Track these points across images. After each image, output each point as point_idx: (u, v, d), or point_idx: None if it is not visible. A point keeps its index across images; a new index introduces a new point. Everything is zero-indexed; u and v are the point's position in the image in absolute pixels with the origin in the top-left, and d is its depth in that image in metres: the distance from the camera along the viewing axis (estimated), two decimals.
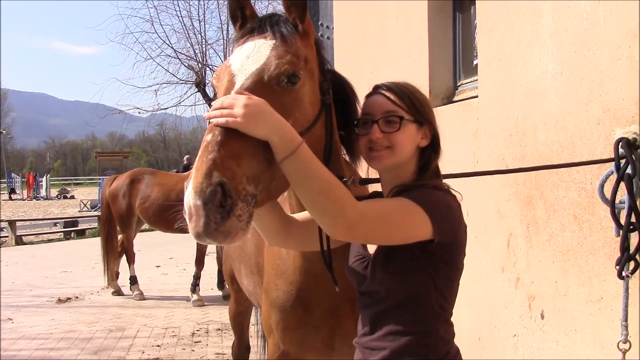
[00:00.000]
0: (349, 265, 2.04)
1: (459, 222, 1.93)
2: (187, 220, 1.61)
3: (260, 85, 1.81)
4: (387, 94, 1.97)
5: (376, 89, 2.03)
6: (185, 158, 17.96)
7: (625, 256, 2.52)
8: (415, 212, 1.77)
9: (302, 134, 1.83)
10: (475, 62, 4.78)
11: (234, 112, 1.64)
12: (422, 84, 5.22)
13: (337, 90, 2.22)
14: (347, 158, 2.40)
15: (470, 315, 4.40)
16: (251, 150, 1.69)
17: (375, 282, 1.92)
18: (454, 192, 2.01)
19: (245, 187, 1.64)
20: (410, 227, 1.79)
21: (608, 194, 2.64)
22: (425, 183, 1.94)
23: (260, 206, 1.81)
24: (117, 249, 9.68)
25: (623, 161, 2.50)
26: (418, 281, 1.87)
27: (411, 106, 1.96)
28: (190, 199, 1.57)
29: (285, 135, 1.69)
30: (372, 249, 1.98)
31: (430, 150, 2.01)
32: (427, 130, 2.00)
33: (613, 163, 2.56)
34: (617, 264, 2.59)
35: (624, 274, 2.52)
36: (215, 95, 1.95)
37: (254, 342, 5.64)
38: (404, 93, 1.98)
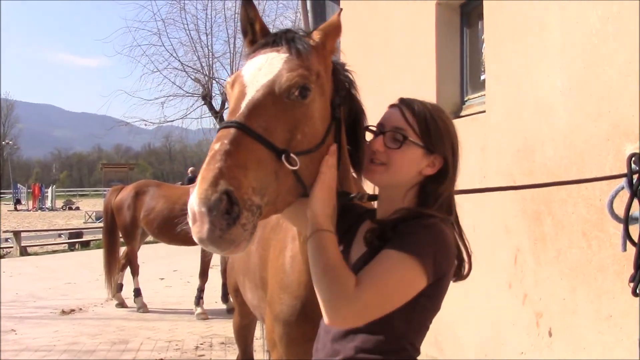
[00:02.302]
0: None
1: (452, 260, 1.83)
2: (191, 224, 1.59)
3: (271, 98, 1.80)
4: (404, 110, 1.91)
5: (399, 102, 1.97)
6: (189, 170, 17.89)
7: None
8: (409, 269, 1.69)
9: (311, 151, 1.83)
10: (482, 77, 4.78)
11: (331, 176, 1.87)
12: (428, 98, 5.19)
13: (349, 105, 2.20)
14: (355, 174, 2.38)
15: (476, 332, 4.36)
16: (259, 162, 1.68)
17: None
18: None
19: (251, 197, 1.63)
20: (407, 291, 1.71)
21: (617, 209, 2.62)
22: (421, 211, 1.84)
23: (264, 218, 1.79)
24: (119, 261, 9.65)
25: (636, 177, 2.47)
26: (389, 314, 1.74)
27: (424, 130, 1.87)
28: (194, 205, 1.56)
29: (326, 220, 1.80)
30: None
31: (435, 181, 1.90)
32: (436, 160, 1.89)
33: (624, 179, 2.53)
34: (630, 281, 2.55)
35: (638, 291, 2.48)
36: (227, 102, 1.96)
37: (259, 356, 5.60)
38: (422, 114, 1.89)
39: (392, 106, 1.97)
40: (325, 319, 1.71)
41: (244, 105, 1.78)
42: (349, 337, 1.82)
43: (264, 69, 1.87)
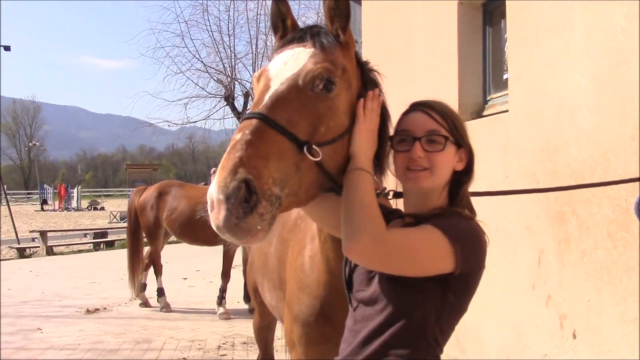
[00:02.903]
0: (356, 267, 1.98)
1: (482, 259, 1.82)
2: (209, 211, 1.61)
3: (295, 90, 1.81)
4: (430, 112, 1.90)
5: (416, 106, 1.96)
6: (212, 171, 17.96)
7: None
8: (439, 244, 1.70)
9: (335, 141, 1.83)
10: (505, 77, 4.73)
11: (372, 118, 1.92)
12: (451, 98, 5.21)
13: None
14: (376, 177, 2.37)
15: (499, 333, 4.32)
16: (280, 153, 1.68)
17: (379, 290, 1.83)
18: (482, 226, 1.91)
19: (271, 188, 1.63)
20: (431, 261, 1.71)
21: None
22: (458, 211, 1.87)
23: (287, 210, 1.80)
24: (143, 261, 9.72)
25: None
26: (422, 303, 1.77)
27: (453, 127, 1.89)
28: (213, 193, 1.57)
29: (366, 160, 1.84)
30: None
31: (464, 175, 1.93)
32: (463, 154, 1.92)
33: None
34: None
35: None
36: (252, 98, 1.96)
37: (281, 356, 5.60)
38: (446, 113, 1.91)
39: (410, 111, 1.96)
40: (346, 247, 1.72)
41: (267, 97, 1.79)
42: (376, 337, 1.82)
43: (290, 63, 1.88)
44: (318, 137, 1.79)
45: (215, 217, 1.58)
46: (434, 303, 1.76)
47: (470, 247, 1.75)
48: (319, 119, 1.81)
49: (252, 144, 1.63)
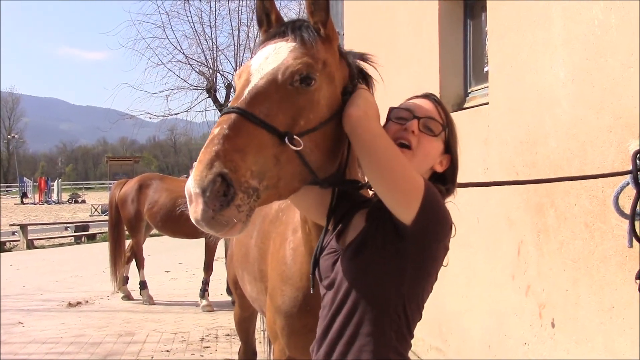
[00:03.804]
0: (320, 257, 2.00)
1: (443, 233, 1.84)
2: (188, 204, 1.63)
3: (274, 85, 1.82)
4: (438, 105, 2.00)
5: (429, 95, 2.05)
6: (193, 164, 17.82)
7: None
8: (419, 187, 1.74)
9: (316, 129, 1.83)
10: (486, 69, 4.77)
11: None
12: (432, 90, 5.20)
13: None
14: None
15: (480, 322, 4.37)
16: (259, 145, 1.69)
17: (340, 274, 1.86)
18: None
19: (248, 180, 1.64)
20: (412, 186, 1.75)
21: (621, 204, 2.62)
22: (441, 189, 1.91)
23: (266, 203, 1.81)
24: (125, 254, 9.70)
25: None
26: (380, 278, 1.79)
27: (450, 130, 1.99)
28: (190, 187, 1.59)
29: (366, 113, 1.85)
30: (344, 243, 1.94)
31: (439, 181, 1.97)
32: (445, 159, 1.98)
33: (629, 175, 2.53)
34: (637, 278, 2.56)
35: None
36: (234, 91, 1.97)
37: (263, 348, 5.63)
38: (449, 116, 2.01)
39: (421, 97, 2.04)
40: (401, 211, 1.74)
41: (246, 92, 1.80)
42: (336, 317, 1.85)
43: (270, 58, 1.89)
44: (298, 129, 1.80)
45: (194, 210, 1.60)
46: (392, 276, 1.78)
47: (434, 215, 1.77)
48: (299, 113, 1.81)
49: (229, 138, 1.65)
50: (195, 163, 1.70)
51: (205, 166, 1.59)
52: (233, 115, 1.71)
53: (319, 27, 2.01)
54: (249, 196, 1.64)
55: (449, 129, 1.98)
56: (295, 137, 1.75)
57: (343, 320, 1.83)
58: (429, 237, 1.78)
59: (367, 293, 1.80)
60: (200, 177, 1.57)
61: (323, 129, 1.87)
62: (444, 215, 1.82)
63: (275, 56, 1.90)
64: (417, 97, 2.05)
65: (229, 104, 1.82)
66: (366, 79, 2.19)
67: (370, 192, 2.17)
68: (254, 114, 1.72)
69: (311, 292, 2.11)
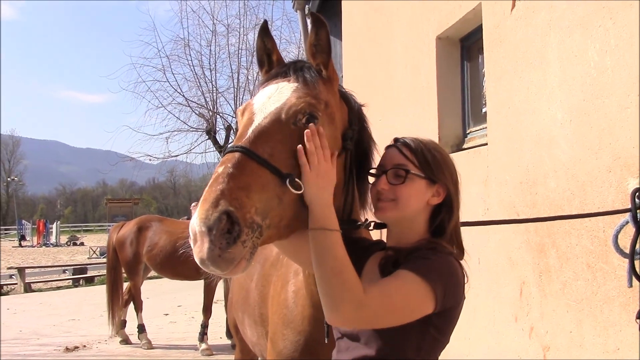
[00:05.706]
0: None
1: (461, 293, 1.86)
2: (192, 245, 1.61)
3: (278, 124, 1.84)
4: (401, 147, 1.97)
5: (394, 142, 2.04)
6: (193, 205, 17.77)
7: None
8: (419, 290, 1.72)
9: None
10: (484, 110, 4.81)
11: (318, 159, 1.78)
12: (431, 131, 5.28)
13: (360, 139, 2.21)
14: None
15: None
16: (262, 185, 1.70)
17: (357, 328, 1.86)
18: (466, 257, 1.97)
19: (253, 217, 1.64)
20: (413, 309, 1.73)
21: (621, 243, 2.61)
22: (436, 245, 1.89)
23: (267, 243, 1.81)
24: (122, 297, 9.61)
25: None
26: (403, 338, 1.79)
27: (423, 162, 1.94)
28: (195, 225, 1.58)
29: (326, 213, 1.78)
30: None
31: (444, 209, 1.97)
32: (440, 189, 1.96)
33: (629, 214, 2.53)
34: (638, 317, 2.53)
35: None
36: (236, 129, 1.99)
37: None
38: (419, 149, 1.96)
39: (388, 147, 2.04)
40: (328, 317, 1.73)
41: (250, 130, 1.82)
42: None
43: (273, 97, 1.91)
44: (300, 170, 1.80)
45: (199, 249, 1.59)
46: (415, 338, 1.78)
47: (448, 285, 1.78)
48: (301, 152, 1.83)
49: (234, 177, 1.65)
50: (194, 203, 1.70)
51: (211, 204, 1.58)
52: (237, 154, 1.72)
53: (320, 68, 2.04)
54: (252, 231, 1.64)
55: (422, 161, 1.95)
56: (297, 180, 1.76)
57: None
58: (450, 303, 1.80)
59: (390, 351, 1.80)
60: (205, 216, 1.57)
61: None
62: (455, 279, 1.83)
63: (278, 95, 1.92)
64: (387, 147, 2.06)
65: (232, 142, 1.83)
66: (363, 122, 2.22)
67: (371, 231, 2.17)
68: (257, 153, 1.73)
69: (326, 342, 2.10)
